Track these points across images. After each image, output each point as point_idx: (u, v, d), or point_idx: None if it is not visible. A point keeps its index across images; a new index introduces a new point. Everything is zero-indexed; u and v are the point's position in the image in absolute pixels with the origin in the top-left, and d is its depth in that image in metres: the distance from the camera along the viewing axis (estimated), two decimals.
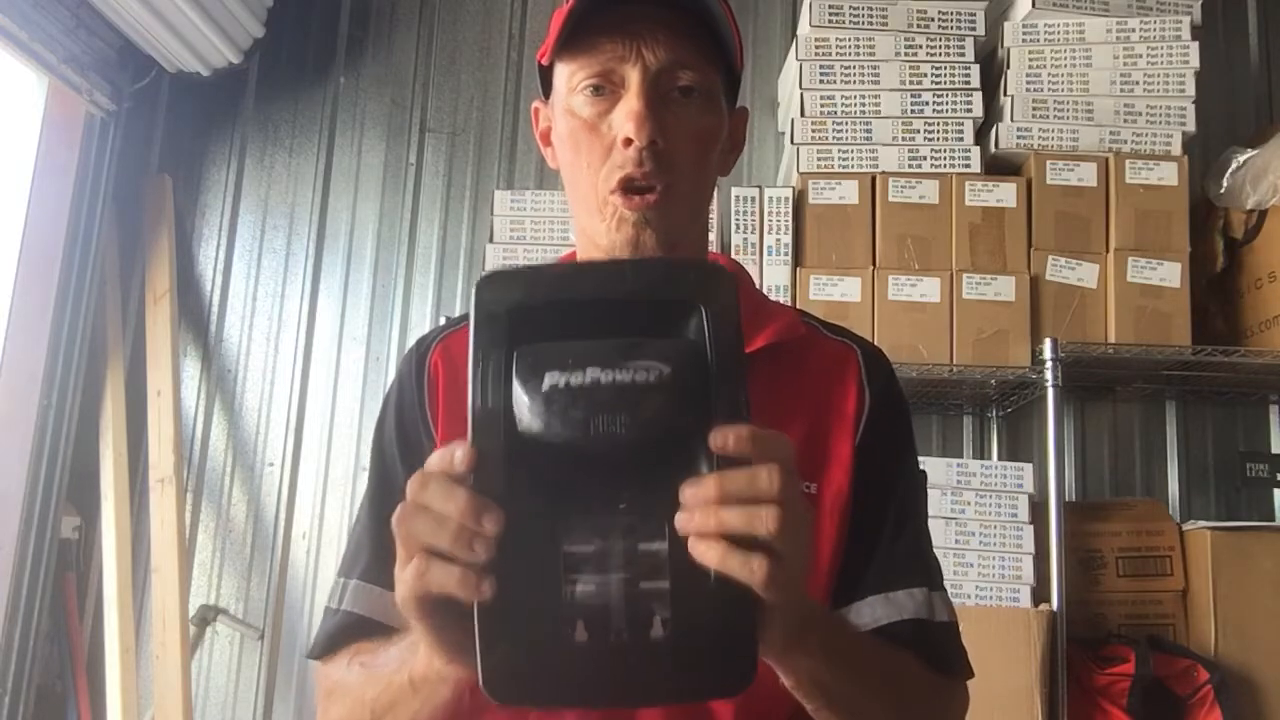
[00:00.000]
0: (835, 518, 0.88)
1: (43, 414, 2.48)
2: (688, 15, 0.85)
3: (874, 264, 2.26)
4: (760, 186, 2.34)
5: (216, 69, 2.71)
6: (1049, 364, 2.15)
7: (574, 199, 0.90)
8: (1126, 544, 2.21)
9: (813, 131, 2.33)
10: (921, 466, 0.98)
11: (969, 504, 2.14)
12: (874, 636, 0.85)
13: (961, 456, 2.54)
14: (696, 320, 0.60)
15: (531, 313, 0.59)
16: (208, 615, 2.55)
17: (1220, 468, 2.54)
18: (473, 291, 0.60)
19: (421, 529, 0.57)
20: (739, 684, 0.57)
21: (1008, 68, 2.36)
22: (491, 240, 2.42)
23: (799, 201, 2.30)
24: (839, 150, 2.32)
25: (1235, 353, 2.24)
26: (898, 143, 2.32)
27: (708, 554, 0.55)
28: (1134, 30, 2.35)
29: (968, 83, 2.35)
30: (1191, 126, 2.32)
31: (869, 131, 2.33)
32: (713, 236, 2.29)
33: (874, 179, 2.29)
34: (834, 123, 2.33)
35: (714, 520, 0.55)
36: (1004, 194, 2.28)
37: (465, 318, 0.98)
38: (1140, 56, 2.34)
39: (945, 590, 0.91)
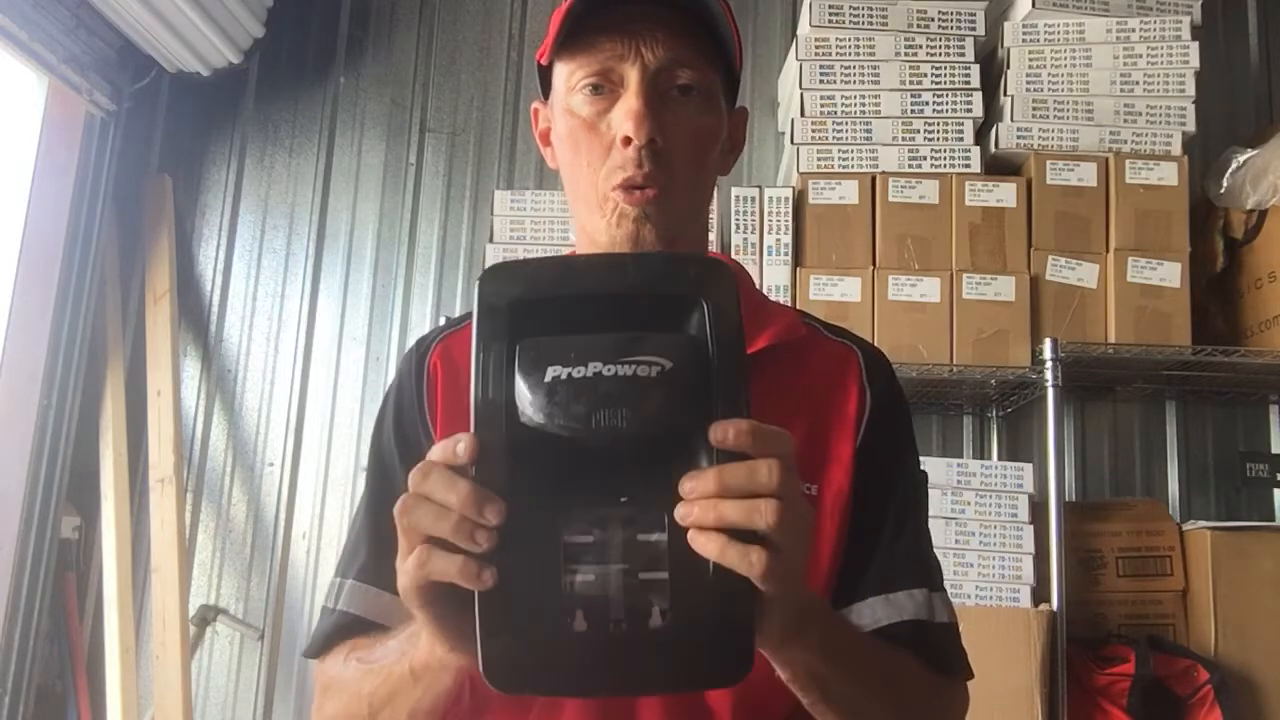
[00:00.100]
0: (835, 519, 0.88)
1: (43, 414, 2.48)
2: (686, 14, 0.85)
3: (874, 264, 2.26)
4: (760, 186, 2.34)
5: (216, 69, 2.71)
6: (1049, 364, 2.15)
7: (573, 198, 0.90)
8: (1126, 544, 2.21)
9: (813, 131, 2.33)
10: (923, 467, 0.97)
11: (969, 504, 2.14)
12: (874, 637, 0.85)
13: (961, 456, 2.54)
14: (698, 315, 0.60)
15: (534, 306, 0.60)
16: (208, 615, 2.56)
17: (1220, 468, 2.54)
18: (476, 284, 0.61)
19: (423, 519, 0.58)
20: (736, 674, 0.58)
21: (1008, 68, 2.36)
22: (491, 240, 2.42)
23: (799, 201, 2.30)
24: (839, 150, 2.32)
25: (1235, 353, 2.24)
26: (898, 143, 2.32)
27: (707, 546, 0.56)
28: (1134, 30, 2.35)
29: (968, 83, 2.35)
30: (1191, 126, 2.32)
31: (869, 131, 2.33)
32: (713, 236, 2.29)
33: (874, 179, 2.29)
34: (834, 123, 2.33)
35: (713, 513, 0.56)
36: (1004, 194, 2.28)
37: (465, 318, 0.99)
38: (1140, 56, 2.34)
39: (945, 591, 0.91)
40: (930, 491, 1.00)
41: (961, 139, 2.33)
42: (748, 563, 0.56)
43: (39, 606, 2.44)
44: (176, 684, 2.37)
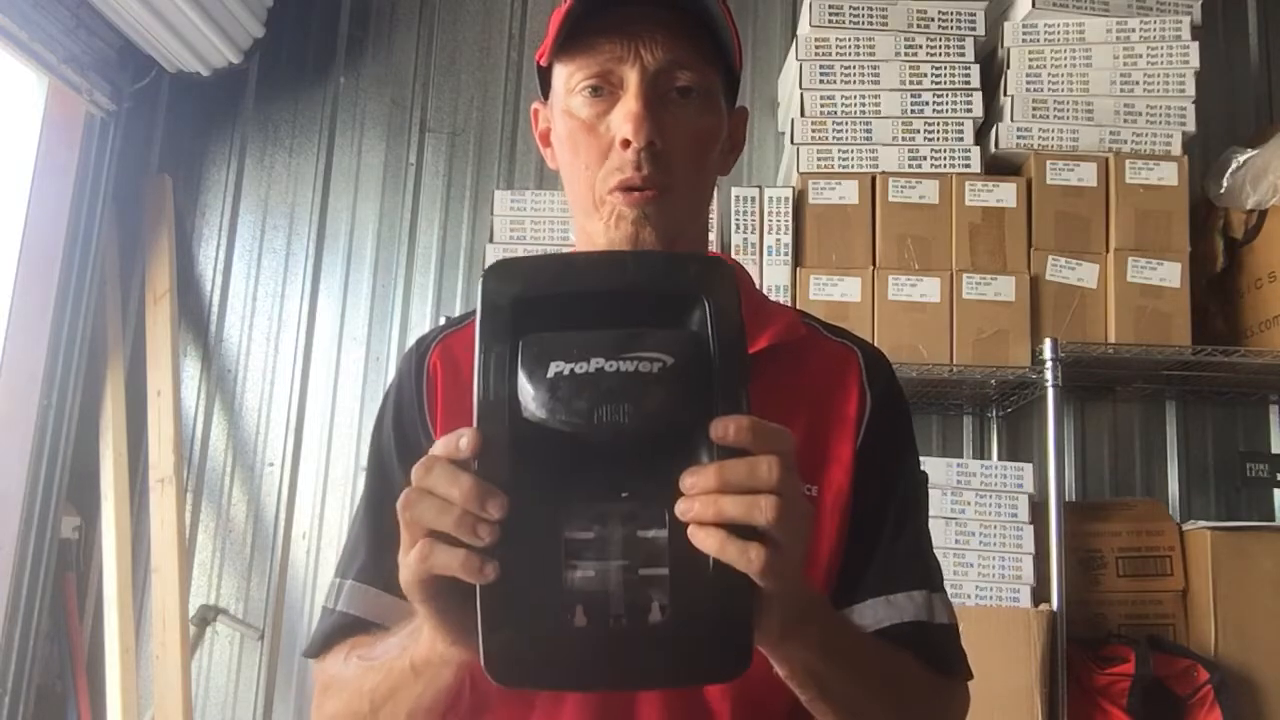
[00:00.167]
0: (836, 519, 0.88)
1: (43, 414, 2.48)
2: (686, 16, 0.85)
3: (874, 264, 2.26)
4: (760, 186, 2.34)
5: (216, 69, 2.71)
6: (1049, 364, 2.15)
7: (572, 199, 0.90)
8: (1126, 544, 2.21)
9: (813, 131, 2.33)
10: (923, 468, 0.97)
11: (969, 504, 2.14)
12: (874, 637, 0.85)
13: (961, 456, 2.54)
14: (699, 312, 0.61)
15: (537, 303, 0.61)
16: (208, 615, 2.56)
17: (1220, 468, 2.54)
18: (480, 281, 0.62)
19: (426, 512, 0.58)
20: (735, 670, 0.58)
21: (1008, 68, 2.36)
22: (491, 240, 2.42)
23: (799, 201, 2.30)
24: (839, 150, 2.32)
25: (1235, 353, 2.24)
26: (898, 143, 2.32)
27: (707, 541, 0.56)
28: (1134, 30, 2.35)
29: (968, 83, 2.35)
30: (1191, 126, 2.32)
31: (869, 131, 2.33)
32: (713, 236, 2.29)
33: (874, 179, 2.29)
34: (834, 123, 2.33)
35: (713, 508, 0.56)
36: (1004, 194, 2.28)
37: (465, 318, 0.99)
38: (1140, 56, 2.34)
39: (945, 592, 0.91)
40: (930, 491, 1.00)
41: (961, 139, 2.33)
42: (747, 558, 0.56)
43: (39, 606, 2.44)
44: (176, 684, 2.37)
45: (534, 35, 2.82)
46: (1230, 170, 2.35)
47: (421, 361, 0.94)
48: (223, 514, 2.63)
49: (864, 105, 2.34)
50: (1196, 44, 2.33)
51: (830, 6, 2.36)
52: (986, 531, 2.13)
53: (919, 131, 2.33)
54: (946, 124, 2.33)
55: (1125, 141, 2.32)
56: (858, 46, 2.35)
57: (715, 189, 1.12)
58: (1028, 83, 2.35)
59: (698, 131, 0.87)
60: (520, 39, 2.83)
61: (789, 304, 1.89)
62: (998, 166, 2.37)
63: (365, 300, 2.72)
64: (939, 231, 2.27)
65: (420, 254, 2.73)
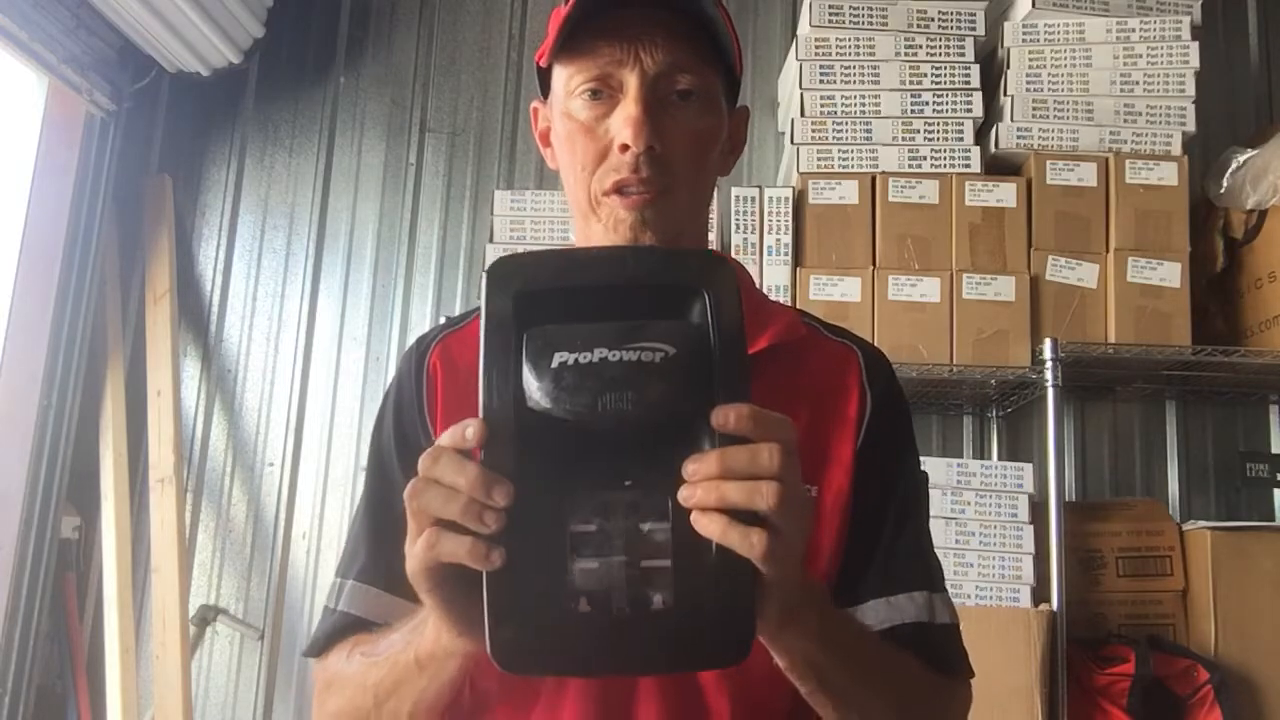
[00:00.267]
0: (836, 519, 0.88)
1: (43, 414, 2.48)
2: (686, 18, 0.84)
3: (874, 264, 2.26)
4: (760, 186, 2.34)
5: (216, 69, 2.71)
6: (1049, 364, 2.15)
7: (571, 200, 0.90)
8: (1126, 544, 2.21)
9: (813, 131, 2.33)
10: (923, 468, 0.97)
11: (969, 504, 2.14)
12: (877, 636, 0.85)
13: (961, 456, 2.54)
14: (699, 305, 0.62)
15: (540, 296, 0.62)
16: (208, 615, 2.56)
17: (1220, 468, 2.54)
18: (483, 275, 0.63)
19: (433, 501, 0.59)
20: (737, 655, 0.59)
21: (1008, 68, 2.36)
22: (491, 240, 2.42)
23: (799, 201, 2.30)
24: (839, 150, 2.32)
25: (1235, 353, 2.24)
26: (898, 143, 2.32)
27: (710, 527, 0.57)
28: (1134, 30, 2.35)
29: (968, 83, 2.35)
30: (1191, 126, 2.32)
31: (869, 131, 2.33)
32: (713, 236, 2.29)
33: (874, 179, 2.29)
34: (834, 123, 2.33)
35: (715, 494, 0.57)
36: (1004, 194, 2.28)
37: (465, 317, 0.99)
38: (1140, 56, 2.34)
39: (946, 591, 0.91)
40: (930, 491, 1.00)
41: (961, 139, 2.33)
42: (749, 543, 0.57)
43: (39, 606, 2.44)
44: (176, 684, 2.37)
45: (534, 35, 2.82)
46: (1230, 170, 2.35)
47: (421, 361, 0.94)
48: (223, 514, 2.63)
49: (864, 105, 2.34)
50: (1196, 44, 2.33)
51: (830, 6, 2.36)
52: (986, 531, 2.13)
53: (919, 131, 2.33)
54: (946, 124, 2.33)
55: (1125, 141, 2.32)
56: (858, 46, 2.35)
57: (715, 189, 1.11)
58: (1028, 83, 2.35)
59: (697, 134, 0.86)
60: (520, 39, 2.83)
61: (789, 304, 1.89)
62: (998, 166, 2.37)
63: (365, 300, 2.72)
64: (939, 231, 2.27)
65: (420, 254, 2.73)
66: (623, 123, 0.83)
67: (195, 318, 2.72)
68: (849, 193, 2.29)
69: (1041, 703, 1.97)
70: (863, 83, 2.35)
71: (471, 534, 0.58)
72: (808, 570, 0.65)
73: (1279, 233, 2.27)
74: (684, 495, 0.58)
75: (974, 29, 2.36)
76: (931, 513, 0.99)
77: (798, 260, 2.28)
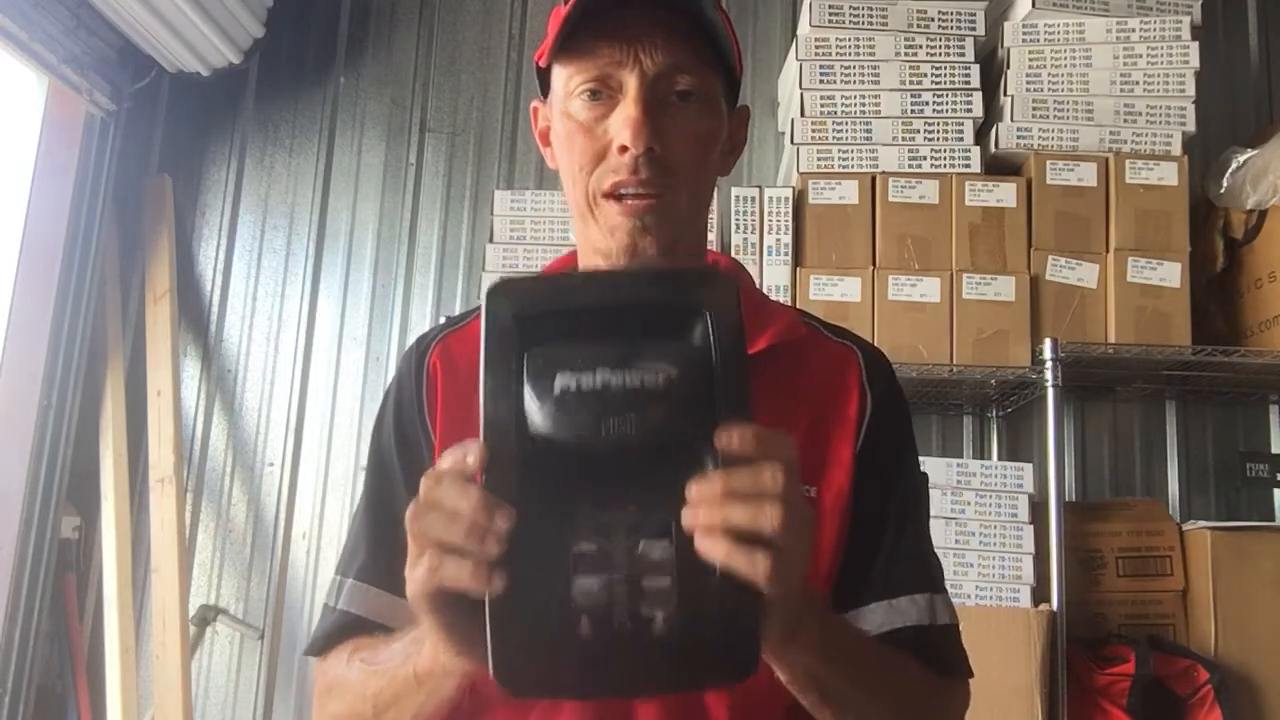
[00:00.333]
0: (836, 520, 0.88)
1: (43, 414, 2.48)
2: (685, 18, 0.84)
3: (874, 264, 2.26)
4: (760, 186, 2.34)
5: (216, 69, 2.71)
6: (1049, 364, 2.15)
7: (571, 201, 0.90)
8: (1126, 544, 2.20)
9: (813, 131, 2.33)
10: (923, 468, 0.97)
11: (969, 504, 2.14)
12: (875, 639, 0.86)
13: (961, 456, 2.54)
14: (701, 325, 0.61)
15: (541, 319, 0.61)
16: (208, 615, 2.55)
17: (1220, 468, 2.54)
18: (484, 297, 0.62)
19: (434, 525, 0.59)
20: (741, 675, 0.59)
21: (1008, 68, 2.36)
22: (491, 240, 2.42)
23: (799, 201, 2.30)
24: (839, 150, 2.32)
25: (1235, 353, 2.24)
26: (898, 143, 2.32)
27: (714, 549, 0.57)
28: (1134, 30, 2.35)
29: (968, 83, 2.35)
30: (1191, 126, 2.32)
31: (869, 131, 2.33)
32: (713, 236, 2.29)
33: (874, 179, 2.29)
34: (834, 123, 2.33)
35: (719, 516, 0.57)
36: (1004, 194, 2.28)
37: (465, 316, 0.99)
38: (1140, 56, 2.34)
39: (946, 592, 0.92)
40: (930, 491, 1.00)
41: (961, 139, 2.33)
42: (753, 566, 0.57)
43: (39, 606, 2.44)
44: (176, 684, 2.37)
45: (534, 35, 2.82)
46: (1230, 170, 2.35)
47: (421, 361, 0.94)
48: (223, 514, 2.63)
49: (864, 105, 2.34)
50: (1196, 44, 2.33)
51: (830, 6, 2.36)
52: (986, 531, 2.13)
53: (919, 131, 2.33)
54: (946, 124, 2.33)
55: (1125, 141, 2.32)
56: (858, 46, 2.35)
57: (715, 190, 1.12)
58: (1028, 83, 2.35)
59: (697, 135, 0.86)
60: (520, 39, 2.83)
61: (789, 304, 1.89)
62: (998, 166, 2.37)
63: (365, 300, 2.72)
64: (939, 231, 2.27)
65: (420, 254, 2.73)
66: (622, 124, 0.83)
67: (195, 318, 2.72)
68: (849, 193, 2.29)
69: (1041, 703, 1.97)
70: (863, 83, 2.35)
71: (474, 558, 0.57)
72: (808, 583, 0.65)
73: (1279, 233, 2.27)
74: (687, 517, 0.57)
75: (974, 29, 2.36)
76: (931, 513, 0.99)
77: (798, 260, 2.28)
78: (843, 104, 2.34)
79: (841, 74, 2.35)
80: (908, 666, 0.84)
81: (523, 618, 0.58)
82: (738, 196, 2.31)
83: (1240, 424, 2.57)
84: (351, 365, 2.69)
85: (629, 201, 0.84)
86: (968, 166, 2.31)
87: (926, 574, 0.91)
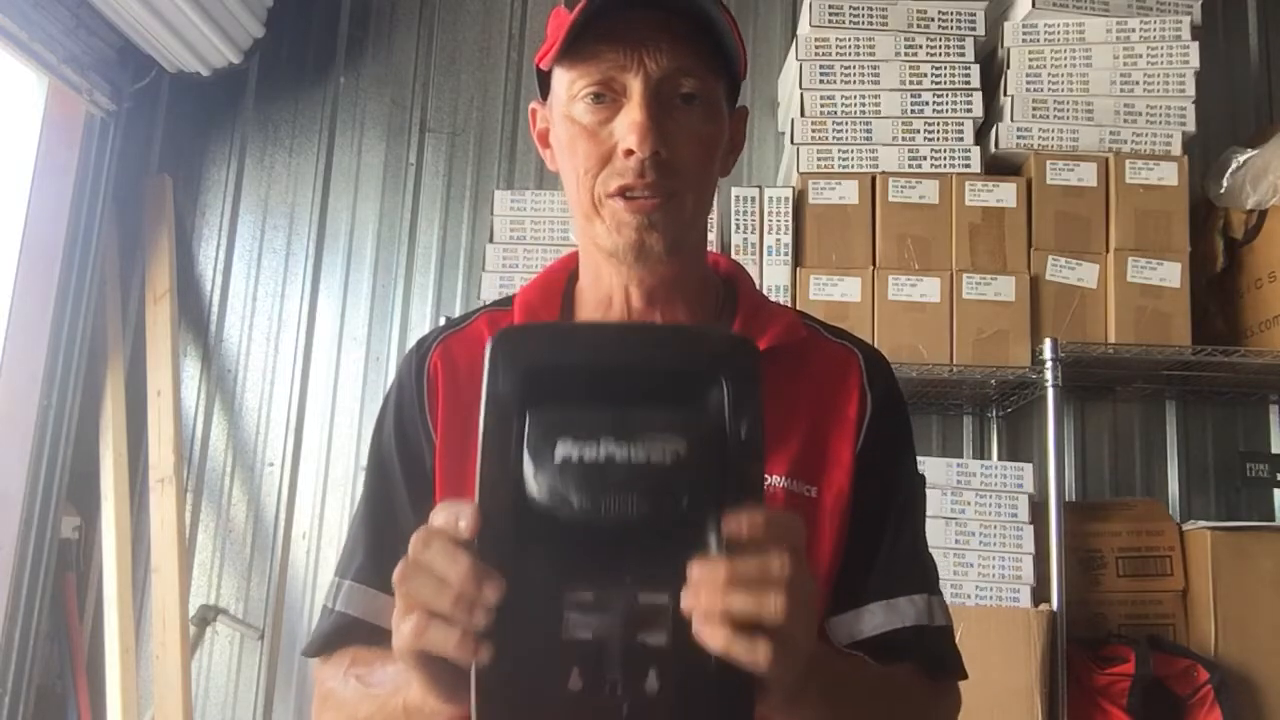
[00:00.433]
0: (835, 521, 0.88)
1: (43, 414, 2.48)
2: (690, 21, 0.84)
3: (874, 264, 2.26)
4: (760, 186, 2.34)
5: (216, 69, 2.71)
6: (1049, 364, 2.14)
7: (573, 203, 0.90)
8: (1126, 544, 2.20)
9: (813, 131, 2.33)
10: (921, 468, 0.98)
11: (969, 504, 2.14)
12: (870, 647, 0.86)
13: (961, 456, 2.54)
14: (716, 393, 0.58)
15: (546, 375, 0.58)
16: (208, 615, 2.56)
17: (1220, 468, 2.54)
18: (487, 347, 0.58)
19: (422, 590, 0.57)
20: None
21: (1008, 68, 2.36)
22: (491, 240, 2.42)
23: (799, 201, 2.30)
24: (839, 150, 2.32)
25: (1235, 353, 2.24)
26: (898, 143, 2.32)
27: (713, 637, 0.55)
28: (1134, 30, 2.35)
29: (968, 83, 2.35)
30: (1191, 126, 2.32)
31: (869, 131, 2.33)
32: (713, 236, 2.29)
33: (874, 179, 2.29)
34: (834, 123, 2.33)
35: (721, 603, 0.55)
36: (1004, 194, 2.28)
37: (466, 318, 0.99)
38: (1140, 56, 2.34)
39: (941, 593, 0.92)
40: (930, 491, 1.01)
41: (961, 139, 2.33)
42: (754, 655, 0.55)
43: (39, 606, 2.44)
44: (176, 684, 2.37)
45: (534, 35, 2.82)
46: (1230, 170, 2.35)
47: (422, 363, 0.94)
48: (223, 514, 2.63)
49: (864, 105, 2.34)
50: (1196, 44, 2.33)
51: (830, 6, 2.36)
52: (986, 531, 2.13)
53: (919, 131, 2.33)
54: (946, 124, 2.33)
55: (1125, 141, 2.32)
56: (858, 46, 2.35)
57: (716, 190, 1.12)
58: (1028, 83, 2.35)
59: (701, 138, 0.86)
60: (520, 39, 2.83)
61: (789, 304, 1.89)
62: (998, 166, 2.37)
63: (365, 300, 2.72)
64: (939, 231, 2.27)
65: (420, 254, 2.73)
66: (627, 128, 0.83)
67: (195, 318, 2.72)
68: (849, 193, 2.29)
69: (1041, 703, 1.97)
70: (863, 83, 2.35)
71: (460, 626, 0.55)
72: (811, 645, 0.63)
73: (1279, 233, 2.27)
74: (687, 599, 0.55)
75: (974, 29, 2.36)
76: (931, 513, 0.99)
77: (798, 260, 2.28)
78: (843, 104, 2.34)
79: (841, 74, 2.35)
80: (899, 682, 0.85)
81: (509, 689, 0.55)
82: (738, 196, 2.31)
83: (1240, 424, 2.57)
84: (351, 365, 2.69)
85: (638, 201, 0.84)
86: (968, 166, 2.31)
87: (924, 575, 0.91)
